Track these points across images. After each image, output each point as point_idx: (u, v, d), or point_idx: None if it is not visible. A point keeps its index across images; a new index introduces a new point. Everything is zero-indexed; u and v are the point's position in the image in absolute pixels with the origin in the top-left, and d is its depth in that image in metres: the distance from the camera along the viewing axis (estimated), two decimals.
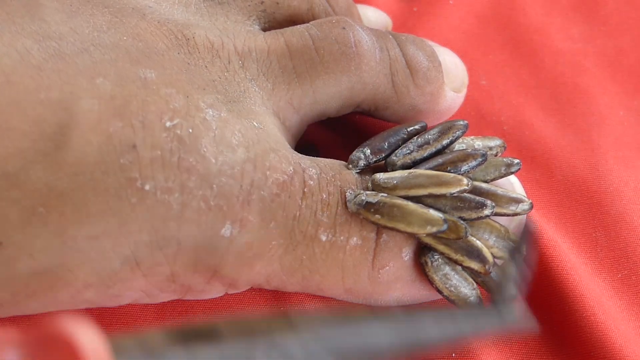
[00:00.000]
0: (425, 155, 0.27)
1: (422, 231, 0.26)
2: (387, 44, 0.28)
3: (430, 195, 0.26)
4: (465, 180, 0.26)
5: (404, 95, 0.28)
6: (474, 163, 0.27)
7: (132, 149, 0.24)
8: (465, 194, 0.26)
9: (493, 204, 0.26)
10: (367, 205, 0.26)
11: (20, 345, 0.17)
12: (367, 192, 0.26)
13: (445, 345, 0.22)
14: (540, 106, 0.32)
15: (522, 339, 0.29)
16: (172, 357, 0.17)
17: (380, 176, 0.27)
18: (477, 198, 0.26)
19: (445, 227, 0.25)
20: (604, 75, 0.33)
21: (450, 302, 0.27)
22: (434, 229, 0.26)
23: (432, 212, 0.26)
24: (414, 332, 0.21)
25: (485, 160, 0.27)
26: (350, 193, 0.26)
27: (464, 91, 0.30)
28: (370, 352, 0.20)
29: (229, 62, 0.27)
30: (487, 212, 0.26)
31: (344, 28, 0.28)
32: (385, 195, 0.26)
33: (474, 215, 0.26)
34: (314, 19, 0.29)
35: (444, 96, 0.29)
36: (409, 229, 0.26)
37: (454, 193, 0.26)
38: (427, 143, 0.27)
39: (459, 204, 0.26)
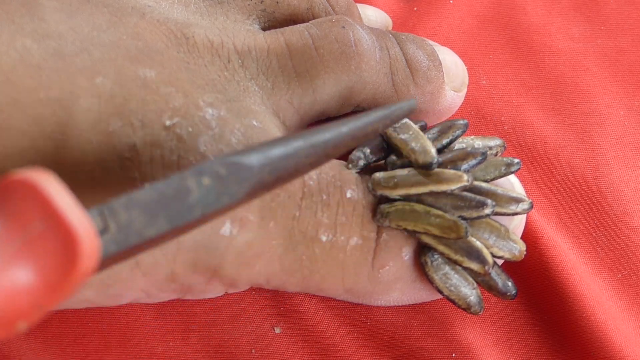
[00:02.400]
0: None
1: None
2: (387, 43, 0.28)
3: (431, 193, 0.26)
4: (465, 177, 0.26)
5: (404, 94, 0.28)
6: (473, 162, 0.27)
7: (132, 148, 0.24)
8: (465, 193, 0.26)
9: (494, 203, 0.26)
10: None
11: None
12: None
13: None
14: (541, 106, 0.32)
15: (522, 339, 0.29)
16: (118, 204, 0.20)
17: (380, 175, 0.27)
18: (478, 197, 0.26)
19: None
20: (605, 75, 0.33)
21: (450, 301, 0.27)
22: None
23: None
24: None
25: (485, 159, 0.27)
26: (353, 190, 0.26)
27: (464, 91, 0.30)
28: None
29: (228, 61, 0.27)
30: (487, 211, 0.26)
31: (343, 27, 0.28)
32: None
33: (474, 214, 0.26)
34: (313, 18, 0.29)
35: (444, 95, 0.29)
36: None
37: (454, 190, 0.26)
38: None
39: (459, 203, 0.26)
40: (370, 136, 0.24)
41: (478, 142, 0.29)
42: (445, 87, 0.29)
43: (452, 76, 0.29)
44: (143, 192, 0.20)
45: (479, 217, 0.26)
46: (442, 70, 0.29)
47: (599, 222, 0.30)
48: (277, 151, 0.22)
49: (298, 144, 0.22)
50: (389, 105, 0.24)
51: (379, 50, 0.28)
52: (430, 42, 0.30)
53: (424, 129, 0.28)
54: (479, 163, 0.27)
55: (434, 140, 0.28)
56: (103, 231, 0.20)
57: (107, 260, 0.19)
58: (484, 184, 0.27)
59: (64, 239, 0.18)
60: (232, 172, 0.21)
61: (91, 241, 0.18)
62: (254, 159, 0.22)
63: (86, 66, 0.24)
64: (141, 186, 0.20)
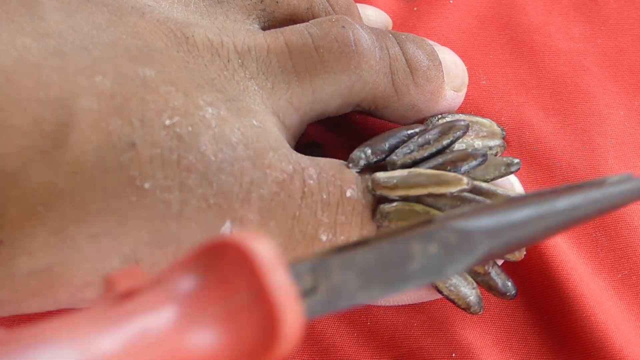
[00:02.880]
0: (425, 155, 0.27)
1: None
2: (387, 42, 0.28)
3: (430, 195, 0.26)
4: (465, 180, 0.26)
5: (404, 94, 0.28)
6: (474, 163, 0.27)
7: (132, 147, 0.24)
8: (465, 193, 0.26)
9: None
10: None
11: (193, 267, 0.17)
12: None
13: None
14: (541, 106, 0.32)
15: (522, 338, 0.29)
16: (333, 263, 0.18)
17: (380, 175, 0.27)
18: (477, 197, 0.26)
19: None
20: (605, 75, 0.33)
21: (450, 301, 0.27)
22: None
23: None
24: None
25: (485, 160, 0.27)
26: (353, 190, 0.26)
27: (464, 90, 0.30)
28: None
29: (228, 61, 0.27)
30: None
31: (343, 27, 0.28)
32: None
33: None
34: (313, 17, 0.29)
35: (444, 95, 0.29)
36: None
37: (454, 193, 0.26)
38: (428, 143, 0.27)
39: (458, 203, 0.26)
40: (605, 212, 0.22)
41: (478, 143, 0.29)
42: (445, 87, 0.29)
43: (452, 76, 0.29)
44: (363, 253, 0.18)
45: None
46: (442, 70, 0.29)
47: (599, 222, 0.30)
48: (508, 217, 0.20)
49: (528, 211, 0.20)
50: (635, 179, 0.23)
51: (378, 50, 0.28)
52: (430, 42, 0.30)
53: (422, 132, 0.28)
54: (480, 164, 0.27)
55: (434, 140, 0.27)
56: (311, 291, 0.18)
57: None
58: (483, 184, 0.27)
59: (267, 319, 0.17)
60: (463, 241, 0.19)
61: (295, 322, 0.17)
62: (487, 233, 0.20)
63: (86, 65, 0.24)
64: (363, 242, 0.19)
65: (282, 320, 0.17)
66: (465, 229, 0.19)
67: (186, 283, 0.17)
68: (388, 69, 0.28)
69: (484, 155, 0.27)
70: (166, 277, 0.18)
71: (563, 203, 0.21)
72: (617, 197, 0.22)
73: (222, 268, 0.17)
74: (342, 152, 0.29)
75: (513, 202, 0.21)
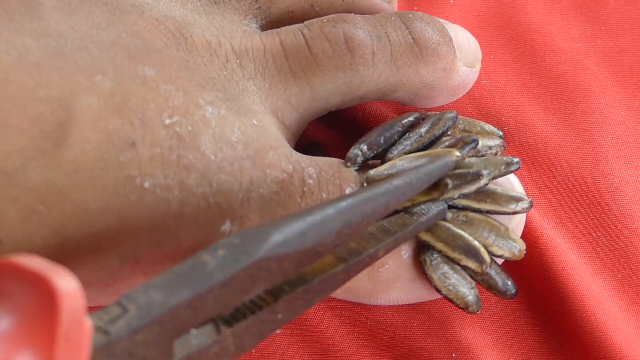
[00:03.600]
0: (419, 147, 0.27)
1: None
2: (388, 28, 0.28)
3: None
4: (455, 151, 0.26)
5: (411, 76, 0.28)
6: (467, 148, 0.27)
7: (132, 147, 0.24)
8: (459, 170, 0.26)
9: (489, 171, 0.26)
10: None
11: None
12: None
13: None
14: (541, 105, 0.32)
15: (522, 339, 0.29)
16: (135, 292, 0.20)
17: (372, 171, 0.27)
18: (471, 170, 0.26)
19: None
20: (605, 74, 0.33)
21: (449, 300, 0.27)
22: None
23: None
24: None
25: (477, 143, 0.27)
26: (351, 189, 0.26)
27: (478, 66, 0.30)
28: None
29: (227, 61, 0.27)
30: (484, 180, 0.26)
31: (334, 26, 0.28)
32: None
33: (473, 187, 0.26)
34: (311, 6, 0.29)
35: (456, 71, 0.29)
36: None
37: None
38: (420, 136, 0.28)
39: (456, 182, 0.26)
40: (406, 196, 0.25)
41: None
42: (458, 63, 0.29)
43: (464, 52, 0.29)
44: (160, 275, 0.21)
45: (478, 190, 0.26)
46: (453, 46, 0.29)
47: (599, 222, 0.30)
48: (290, 219, 0.22)
49: (315, 214, 0.23)
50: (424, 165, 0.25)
51: (376, 41, 0.28)
52: (441, 20, 0.29)
53: (418, 120, 0.28)
54: (472, 148, 0.27)
55: (425, 132, 0.28)
56: (122, 314, 0.20)
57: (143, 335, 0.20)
58: None
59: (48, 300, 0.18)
60: (245, 240, 0.22)
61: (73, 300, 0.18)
62: (268, 227, 0.22)
63: (85, 64, 0.24)
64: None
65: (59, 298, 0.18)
66: (245, 231, 0.22)
67: None
68: (389, 56, 0.28)
69: (475, 140, 0.27)
70: None
71: (344, 203, 0.23)
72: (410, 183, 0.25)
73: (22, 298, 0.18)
74: (345, 151, 0.29)
75: (315, 207, 0.23)
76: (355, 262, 0.24)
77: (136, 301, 0.20)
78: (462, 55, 0.29)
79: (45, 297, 0.18)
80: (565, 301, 0.29)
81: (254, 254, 0.21)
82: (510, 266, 0.29)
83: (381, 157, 0.28)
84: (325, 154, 0.28)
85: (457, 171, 0.26)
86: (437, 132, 0.28)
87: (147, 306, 0.20)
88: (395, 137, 0.28)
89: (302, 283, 0.23)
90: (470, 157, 0.28)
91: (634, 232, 0.30)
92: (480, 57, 0.30)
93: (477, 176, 0.26)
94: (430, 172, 0.25)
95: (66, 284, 0.18)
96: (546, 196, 0.31)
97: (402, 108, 0.32)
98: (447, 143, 0.27)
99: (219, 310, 0.21)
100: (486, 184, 0.26)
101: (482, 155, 0.28)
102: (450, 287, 0.27)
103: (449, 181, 0.26)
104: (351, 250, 0.24)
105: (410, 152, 0.27)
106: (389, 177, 0.26)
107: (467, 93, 0.31)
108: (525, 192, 0.29)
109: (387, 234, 0.25)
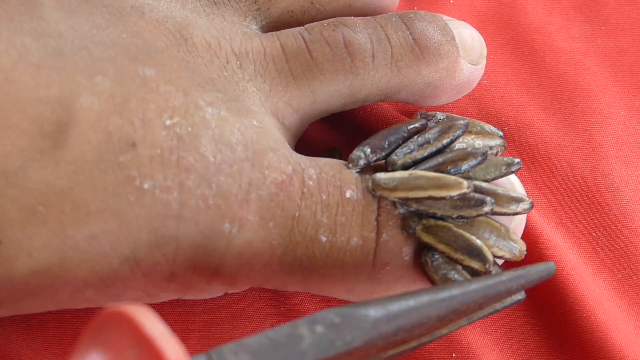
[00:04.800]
0: (425, 154, 0.27)
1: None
2: (388, 30, 0.28)
3: (430, 198, 0.26)
4: (465, 183, 0.26)
5: (413, 77, 0.28)
6: (474, 162, 0.27)
7: (132, 147, 0.24)
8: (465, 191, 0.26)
9: (492, 200, 0.26)
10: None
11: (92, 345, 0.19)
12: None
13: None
14: (541, 106, 0.32)
15: (522, 339, 0.29)
16: (226, 349, 0.21)
17: (380, 176, 0.26)
18: (477, 195, 0.26)
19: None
20: (605, 74, 0.33)
21: None
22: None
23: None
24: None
25: (485, 159, 0.27)
26: (352, 191, 0.26)
27: (483, 63, 0.29)
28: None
29: (227, 62, 0.27)
30: (487, 208, 0.26)
31: (334, 30, 0.28)
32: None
33: (474, 213, 0.26)
34: (312, 4, 0.29)
35: (460, 70, 0.29)
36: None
37: (454, 196, 0.26)
38: (428, 142, 0.27)
39: (458, 202, 0.26)
40: (503, 296, 0.25)
41: (479, 142, 0.29)
42: (461, 61, 0.29)
43: (468, 49, 0.29)
44: (254, 338, 0.21)
45: (478, 215, 0.26)
46: (456, 45, 0.28)
47: (599, 222, 0.30)
48: (398, 304, 0.23)
49: (422, 298, 0.23)
50: (527, 267, 0.25)
51: (376, 44, 0.28)
52: (445, 17, 0.29)
53: (424, 127, 0.28)
54: (480, 163, 0.27)
55: (434, 139, 0.27)
56: None
57: None
58: (484, 184, 0.27)
59: None
60: (346, 320, 0.22)
61: None
62: (370, 310, 0.22)
63: (86, 65, 0.24)
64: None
65: None
66: (348, 311, 0.22)
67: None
68: (389, 59, 0.28)
69: (484, 154, 0.27)
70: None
71: (455, 291, 0.24)
72: (509, 282, 0.25)
73: (109, 335, 0.19)
74: (345, 151, 0.29)
75: (411, 292, 0.23)
76: (428, 341, 0.25)
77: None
78: (465, 53, 0.29)
79: None
80: (565, 301, 0.29)
81: (350, 342, 0.21)
82: (510, 266, 0.29)
83: (384, 161, 0.28)
84: (343, 158, 0.28)
85: (463, 191, 0.26)
86: (445, 141, 0.27)
87: None
88: (400, 142, 0.28)
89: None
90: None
91: (634, 232, 0.30)
92: (485, 53, 0.29)
93: (481, 203, 0.26)
94: (531, 282, 0.25)
95: (173, 352, 0.19)
96: (546, 196, 0.31)
97: (406, 107, 0.32)
98: (454, 155, 0.27)
99: None
100: (487, 213, 0.26)
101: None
102: None
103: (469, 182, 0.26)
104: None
105: (415, 157, 0.27)
106: (396, 188, 0.26)
107: (468, 93, 0.31)
108: (526, 192, 0.29)
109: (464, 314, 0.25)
